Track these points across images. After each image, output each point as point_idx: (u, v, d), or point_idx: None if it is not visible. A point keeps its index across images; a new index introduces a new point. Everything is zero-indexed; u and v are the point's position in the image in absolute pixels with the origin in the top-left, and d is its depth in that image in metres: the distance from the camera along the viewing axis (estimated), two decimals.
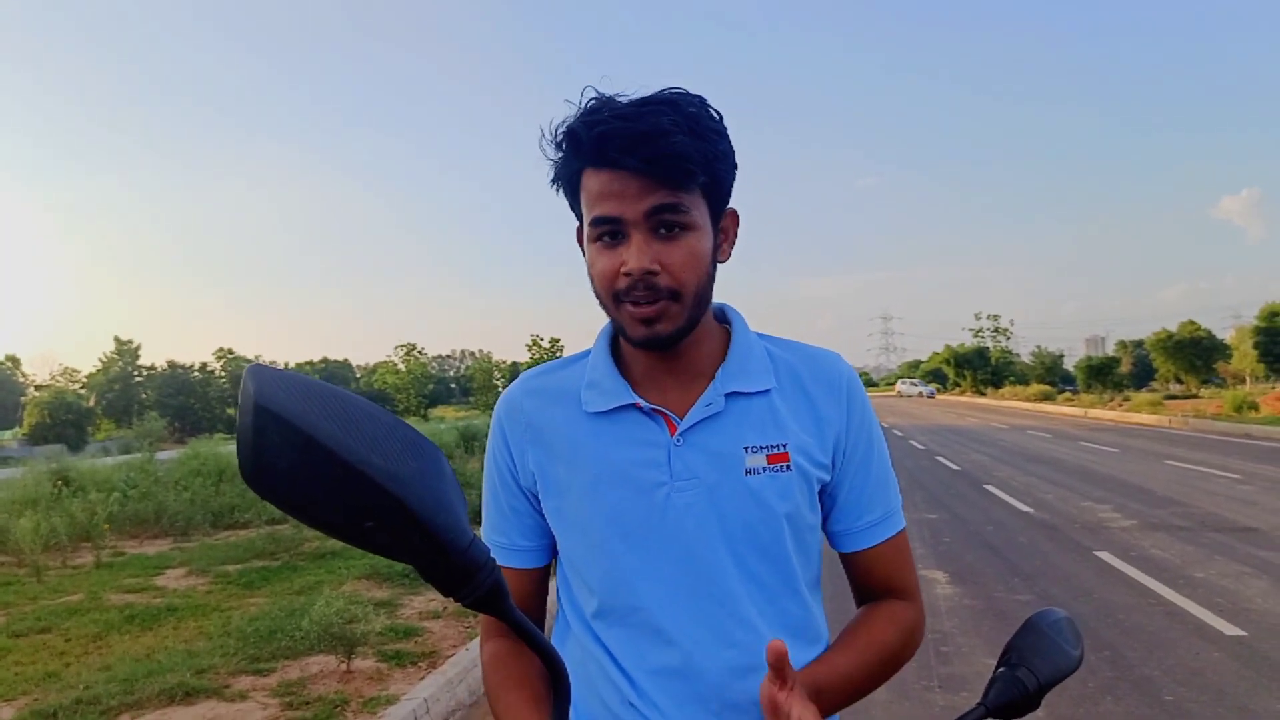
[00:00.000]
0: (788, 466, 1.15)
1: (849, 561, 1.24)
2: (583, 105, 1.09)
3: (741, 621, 1.13)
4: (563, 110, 1.10)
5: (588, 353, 1.24)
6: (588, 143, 1.06)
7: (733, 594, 1.13)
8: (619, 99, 1.08)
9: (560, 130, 1.11)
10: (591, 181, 1.09)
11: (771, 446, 1.15)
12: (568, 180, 1.13)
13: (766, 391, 1.18)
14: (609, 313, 1.14)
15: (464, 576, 0.67)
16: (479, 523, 1.33)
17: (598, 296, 1.14)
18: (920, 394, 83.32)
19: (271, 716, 4.49)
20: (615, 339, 1.23)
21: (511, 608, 0.71)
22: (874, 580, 1.23)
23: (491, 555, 0.69)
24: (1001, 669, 1.09)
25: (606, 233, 1.08)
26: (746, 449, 1.14)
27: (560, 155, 1.12)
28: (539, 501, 1.21)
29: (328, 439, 0.60)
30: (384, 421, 0.66)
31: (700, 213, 1.10)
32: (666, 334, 1.10)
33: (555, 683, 0.76)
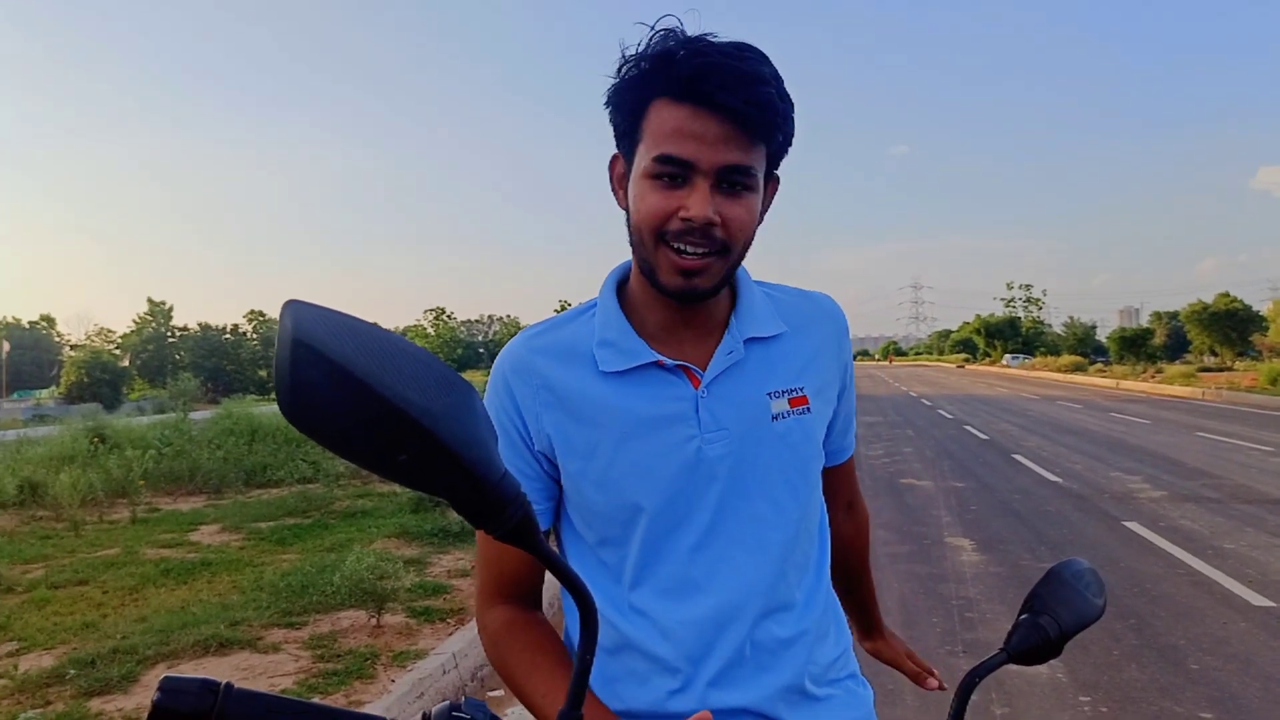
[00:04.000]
0: (807, 409, 1.16)
1: (826, 475, 1.29)
2: (663, 33, 1.03)
3: (772, 564, 1.14)
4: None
5: (591, 305, 1.19)
6: (685, 71, 1.00)
7: (766, 540, 1.14)
8: (708, 37, 1.03)
9: (649, 49, 1.04)
10: (667, 114, 1.03)
11: (792, 390, 1.16)
12: (633, 105, 1.06)
13: (779, 335, 1.18)
14: (643, 253, 1.09)
15: (495, 509, 0.68)
16: None
17: (634, 233, 1.09)
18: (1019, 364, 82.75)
19: (303, 668, 4.58)
20: (620, 290, 1.19)
21: (542, 541, 0.72)
22: (841, 488, 1.40)
23: (521, 489, 0.70)
24: (1024, 616, 1.10)
25: (669, 173, 1.03)
26: (770, 394, 1.14)
27: (632, 75, 1.05)
28: (550, 464, 1.16)
29: (363, 373, 0.61)
30: (418, 357, 0.66)
31: (760, 174, 1.07)
32: (704, 289, 1.07)
33: (584, 615, 0.76)
